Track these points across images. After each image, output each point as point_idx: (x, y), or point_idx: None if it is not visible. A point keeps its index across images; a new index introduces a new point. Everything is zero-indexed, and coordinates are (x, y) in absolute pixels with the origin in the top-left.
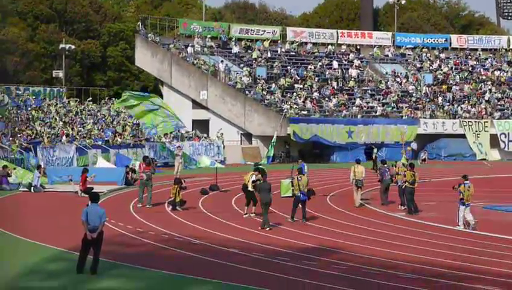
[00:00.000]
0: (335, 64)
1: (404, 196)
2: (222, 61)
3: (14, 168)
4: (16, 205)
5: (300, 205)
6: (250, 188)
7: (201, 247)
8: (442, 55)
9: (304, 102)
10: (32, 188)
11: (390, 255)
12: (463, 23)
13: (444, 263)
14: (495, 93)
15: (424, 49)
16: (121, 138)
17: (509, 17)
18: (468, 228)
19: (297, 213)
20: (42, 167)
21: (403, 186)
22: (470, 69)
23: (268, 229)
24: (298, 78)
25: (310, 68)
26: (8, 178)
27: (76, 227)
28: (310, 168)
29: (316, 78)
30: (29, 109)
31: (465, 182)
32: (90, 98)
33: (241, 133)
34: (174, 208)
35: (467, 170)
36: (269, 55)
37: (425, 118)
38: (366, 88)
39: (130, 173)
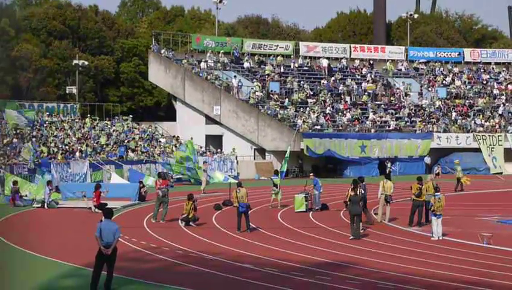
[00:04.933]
0: (348, 79)
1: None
2: (235, 76)
3: (25, 184)
4: (29, 221)
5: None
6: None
7: (215, 262)
8: (456, 69)
9: (317, 117)
10: (45, 204)
11: (405, 270)
12: (476, 37)
13: (459, 277)
14: (508, 106)
15: (437, 63)
16: (134, 154)
17: None
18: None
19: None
20: (52, 182)
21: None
22: (484, 82)
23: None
24: (311, 93)
25: (323, 83)
26: (22, 194)
27: (90, 243)
28: (323, 183)
29: (329, 93)
30: (44, 125)
31: (436, 193)
32: (97, 118)
33: (255, 149)
34: (188, 223)
35: (483, 184)
36: (282, 70)
37: (438, 132)
38: (379, 102)
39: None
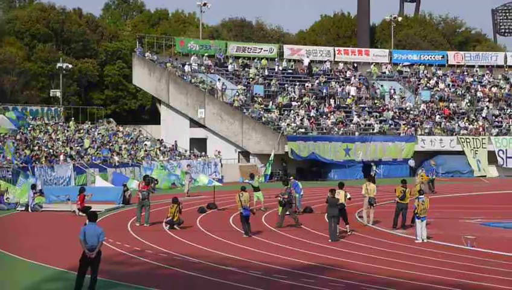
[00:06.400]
0: (332, 82)
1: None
2: (219, 79)
3: (8, 187)
4: (13, 225)
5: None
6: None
7: (200, 265)
8: (439, 72)
9: (301, 120)
10: (29, 207)
11: (390, 273)
12: (460, 39)
13: (443, 279)
14: (492, 109)
15: (421, 66)
16: (118, 157)
17: (506, 34)
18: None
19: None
20: (37, 186)
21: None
22: (467, 85)
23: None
24: (295, 96)
25: (307, 86)
26: (4, 197)
27: (74, 247)
28: (308, 186)
29: (314, 96)
30: (28, 128)
31: (420, 196)
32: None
33: (239, 152)
34: (172, 226)
35: (466, 187)
36: (266, 73)
37: (423, 135)
38: (363, 105)
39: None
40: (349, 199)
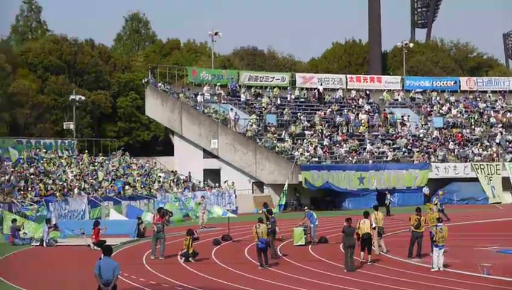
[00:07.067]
0: (345, 110)
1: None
2: (232, 109)
3: (23, 223)
4: (28, 260)
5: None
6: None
7: None
8: (452, 98)
9: (314, 149)
10: (44, 242)
11: None
12: (472, 65)
13: None
14: (506, 135)
15: (433, 92)
16: (132, 190)
17: None
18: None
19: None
20: (52, 220)
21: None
22: (480, 111)
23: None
24: (308, 125)
25: (320, 114)
26: (20, 232)
27: (89, 281)
28: (322, 216)
29: (326, 124)
30: (41, 161)
31: (438, 224)
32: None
33: (253, 182)
34: (187, 259)
35: (482, 214)
36: (279, 101)
37: (436, 162)
38: (376, 133)
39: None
40: (374, 228)
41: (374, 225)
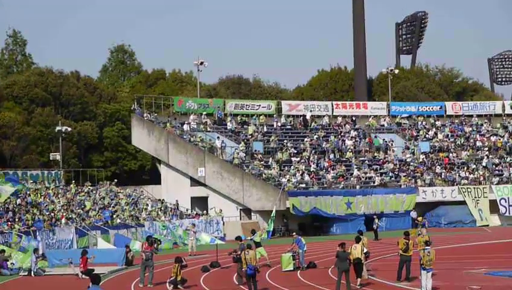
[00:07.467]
0: (331, 136)
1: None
2: (218, 137)
3: (11, 253)
4: None
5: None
6: (363, 259)
7: None
8: (438, 123)
9: (301, 175)
10: (32, 272)
11: None
12: (457, 90)
13: None
14: (492, 158)
15: (419, 118)
16: (119, 219)
17: (503, 82)
18: None
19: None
20: (39, 250)
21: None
22: (466, 135)
23: None
24: (295, 152)
25: (307, 141)
26: (8, 263)
27: None
28: (310, 241)
29: (313, 151)
30: (28, 193)
31: (426, 247)
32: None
33: (240, 209)
34: (176, 286)
35: (469, 237)
36: (265, 129)
37: (423, 186)
38: (363, 159)
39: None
40: (366, 253)
41: (365, 250)
